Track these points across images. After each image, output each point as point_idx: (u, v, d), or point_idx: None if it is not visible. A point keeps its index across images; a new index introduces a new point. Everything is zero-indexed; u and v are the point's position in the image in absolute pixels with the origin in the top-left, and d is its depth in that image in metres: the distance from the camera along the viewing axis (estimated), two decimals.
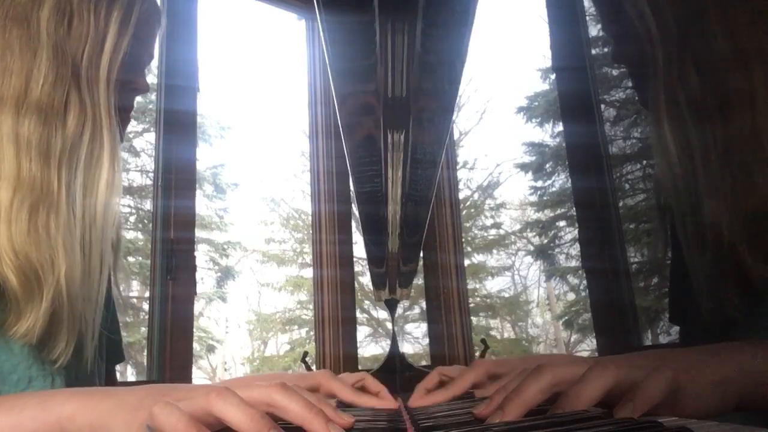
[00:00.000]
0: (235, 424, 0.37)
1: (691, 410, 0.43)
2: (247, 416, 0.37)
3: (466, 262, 7.89)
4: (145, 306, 7.49)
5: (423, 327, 8.61)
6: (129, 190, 8.41)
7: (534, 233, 9.94)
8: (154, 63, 1.68)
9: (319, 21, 0.63)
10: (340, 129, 0.83)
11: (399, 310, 1.54)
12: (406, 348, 9.04)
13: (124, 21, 0.66)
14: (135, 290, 7.94)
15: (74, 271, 0.59)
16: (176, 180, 1.59)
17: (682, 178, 0.64)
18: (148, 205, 8.11)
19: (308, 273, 9.36)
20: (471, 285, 9.74)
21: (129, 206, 8.40)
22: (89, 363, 0.63)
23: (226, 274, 9.01)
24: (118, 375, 0.87)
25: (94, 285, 0.62)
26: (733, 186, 0.59)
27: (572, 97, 1.90)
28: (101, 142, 0.63)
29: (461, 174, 10.24)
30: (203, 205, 9.01)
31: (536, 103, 9.16)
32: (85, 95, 0.62)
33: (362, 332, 9.44)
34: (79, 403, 0.43)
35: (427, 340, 2.46)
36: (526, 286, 11.35)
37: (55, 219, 0.58)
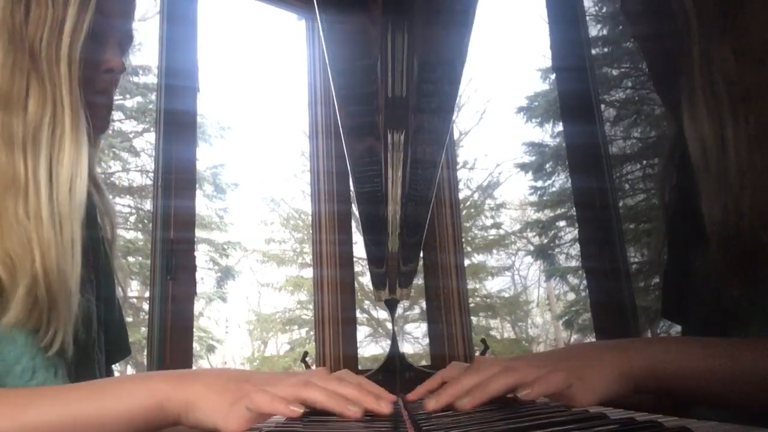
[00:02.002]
0: (322, 404, 0.47)
1: (589, 397, 0.51)
2: (333, 397, 0.48)
3: (466, 262, 7.89)
4: (145, 306, 7.49)
5: (423, 327, 8.62)
6: (129, 190, 8.41)
7: (534, 233, 9.94)
8: (154, 63, 1.68)
9: (319, 21, 0.63)
10: (340, 129, 0.82)
11: (399, 310, 1.54)
12: (406, 348, 9.04)
13: (84, 2, 0.65)
14: (135, 290, 7.94)
15: (49, 256, 0.59)
16: (176, 180, 1.58)
17: (715, 168, 0.63)
18: (148, 205, 8.12)
19: (308, 273, 9.36)
20: (471, 285, 9.74)
21: (129, 206, 8.41)
22: (69, 348, 0.62)
23: (226, 274, 9.01)
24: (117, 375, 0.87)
25: (68, 269, 0.62)
26: (760, 175, 0.59)
27: (572, 97, 1.90)
28: (62, 126, 0.62)
29: (461, 174, 10.25)
30: (203, 205, 9.02)
31: (536, 103, 9.16)
32: (45, 80, 0.61)
33: (362, 332, 9.45)
34: (173, 385, 0.50)
35: (427, 340, 2.47)
36: (526, 286, 11.36)
37: (24, 206, 0.58)
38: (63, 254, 0.61)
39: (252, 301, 10.61)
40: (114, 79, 0.75)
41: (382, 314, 9.21)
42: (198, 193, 5.18)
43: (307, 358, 1.62)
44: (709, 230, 0.64)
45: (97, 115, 0.69)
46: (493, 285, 10.58)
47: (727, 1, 0.64)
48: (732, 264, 0.61)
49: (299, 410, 0.47)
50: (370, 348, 9.48)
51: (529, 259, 10.46)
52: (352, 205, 1.92)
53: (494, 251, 10.58)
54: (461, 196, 7.76)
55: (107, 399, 0.49)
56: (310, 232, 2.01)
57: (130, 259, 7.52)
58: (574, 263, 8.72)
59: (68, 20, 0.63)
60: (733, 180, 0.61)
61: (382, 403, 0.49)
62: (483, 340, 1.78)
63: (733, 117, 0.62)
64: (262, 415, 0.48)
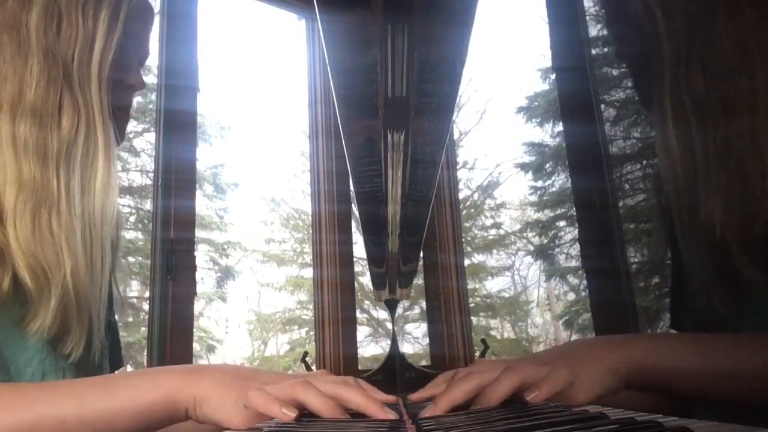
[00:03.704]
0: (316, 409, 0.48)
1: (585, 393, 0.52)
2: (327, 404, 0.48)
3: (466, 262, 7.88)
4: (145, 306, 7.48)
5: (423, 327, 8.61)
6: (129, 190, 8.41)
7: (534, 233, 9.94)
8: (154, 63, 1.67)
9: (319, 21, 0.63)
10: (340, 129, 0.82)
11: (399, 310, 1.54)
12: (406, 348, 9.04)
13: (113, 20, 0.67)
14: (135, 290, 7.94)
15: (79, 268, 0.61)
16: (176, 180, 1.58)
17: (683, 177, 0.65)
18: (148, 205, 8.11)
19: (308, 273, 9.35)
20: (471, 285, 9.74)
21: (129, 206, 8.40)
22: (96, 356, 0.65)
23: (226, 274, 9.00)
24: None
25: (97, 281, 0.64)
26: (728, 186, 0.61)
27: (572, 97, 1.90)
28: (95, 141, 0.64)
29: (461, 174, 10.24)
30: (203, 205, 9.01)
31: (536, 103, 9.16)
32: (77, 96, 0.63)
33: (362, 332, 9.45)
34: (182, 380, 0.51)
35: (427, 340, 2.47)
36: (526, 286, 11.36)
37: (57, 218, 0.60)
38: (93, 265, 0.63)
39: (252, 301, 10.61)
40: (133, 94, 0.77)
41: (382, 314, 9.21)
42: (198, 193, 5.17)
43: (307, 358, 1.62)
44: (684, 240, 0.66)
45: (116, 129, 0.71)
46: (493, 285, 10.58)
47: (696, 21, 0.65)
48: (710, 273, 0.62)
49: (291, 414, 0.47)
50: (370, 348, 9.48)
51: (529, 259, 10.46)
52: (352, 205, 1.92)
53: (494, 251, 10.58)
54: (461, 196, 7.75)
55: (118, 394, 0.50)
56: (310, 232, 2.01)
57: (130, 259, 7.52)
58: (574, 263, 8.72)
59: (98, 38, 0.66)
60: (702, 192, 0.62)
61: (390, 414, 0.49)
62: (483, 340, 1.78)
63: (701, 134, 0.63)
64: (263, 414, 0.48)
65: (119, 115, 0.73)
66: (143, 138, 8.40)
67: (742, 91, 0.61)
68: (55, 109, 0.61)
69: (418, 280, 2.00)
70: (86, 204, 0.63)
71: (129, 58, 0.73)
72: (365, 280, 7.84)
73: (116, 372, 0.82)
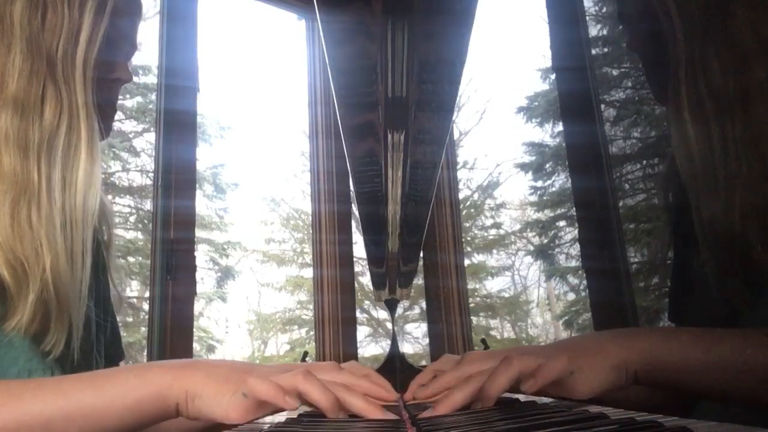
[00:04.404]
0: (316, 401, 0.47)
1: (588, 387, 0.50)
2: (328, 398, 0.47)
3: (466, 262, 7.88)
4: (145, 306, 7.48)
5: (423, 327, 8.61)
6: (129, 190, 8.41)
7: (534, 233, 9.93)
8: (154, 63, 1.68)
9: (319, 21, 0.63)
10: (340, 129, 0.82)
11: (399, 310, 1.55)
12: (406, 348, 9.03)
13: (99, 11, 0.66)
14: (135, 290, 7.94)
15: (59, 262, 0.59)
16: (176, 180, 1.58)
17: (701, 170, 0.64)
18: (148, 205, 8.11)
19: (308, 273, 9.35)
20: (471, 285, 9.74)
21: (129, 206, 8.41)
22: (76, 354, 0.63)
23: (226, 274, 9.00)
24: None
25: (77, 276, 0.62)
26: (748, 178, 0.60)
27: (572, 97, 1.90)
28: (78, 133, 0.63)
29: (461, 174, 10.24)
30: (203, 205, 9.00)
31: (536, 103, 9.15)
32: (61, 87, 0.62)
33: (362, 332, 9.44)
34: (173, 375, 0.49)
35: (427, 340, 2.47)
36: (526, 286, 11.36)
37: (37, 212, 0.58)
38: (73, 260, 0.62)
39: (252, 301, 10.60)
40: (120, 88, 0.76)
41: (382, 314, 9.21)
42: (198, 193, 5.17)
43: (307, 358, 1.62)
44: (702, 234, 0.65)
45: (102, 123, 0.70)
46: (493, 285, 10.57)
47: (712, 11, 0.64)
48: (727, 267, 0.61)
49: (295, 404, 0.45)
50: (370, 348, 9.47)
51: (529, 259, 10.45)
52: (352, 205, 1.92)
53: (494, 251, 10.58)
54: (461, 196, 7.75)
55: (105, 390, 0.48)
56: (310, 232, 2.01)
57: (130, 259, 7.52)
58: (574, 263, 8.71)
59: (84, 28, 0.64)
60: (721, 185, 0.61)
61: (390, 416, 0.48)
62: (483, 340, 1.78)
63: (719, 123, 0.62)
64: (263, 405, 0.47)
65: (105, 108, 0.71)
66: (143, 138, 8.40)
67: (761, 81, 0.60)
68: (38, 101, 0.60)
69: (418, 280, 2.00)
70: (67, 198, 0.62)
71: (115, 51, 0.72)
72: (365, 280, 7.84)
73: (116, 364, 0.81)
